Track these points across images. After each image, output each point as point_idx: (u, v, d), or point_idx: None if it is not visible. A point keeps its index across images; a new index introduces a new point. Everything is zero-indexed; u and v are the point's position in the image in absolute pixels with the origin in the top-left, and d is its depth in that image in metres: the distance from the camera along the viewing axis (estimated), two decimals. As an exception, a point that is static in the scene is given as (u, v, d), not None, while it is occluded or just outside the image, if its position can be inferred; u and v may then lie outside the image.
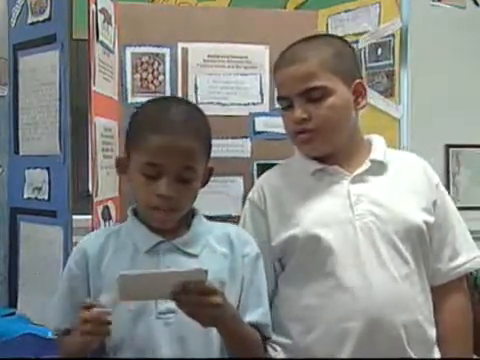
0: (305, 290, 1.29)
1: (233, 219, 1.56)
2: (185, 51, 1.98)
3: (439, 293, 1.35)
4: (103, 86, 1.75)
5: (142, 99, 1.66)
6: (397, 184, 1.33)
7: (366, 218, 1.28)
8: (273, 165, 1.50)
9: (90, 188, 1.65)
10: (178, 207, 1.20)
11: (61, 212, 1.71)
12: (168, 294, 1.03)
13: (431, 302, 1.33)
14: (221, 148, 1.94)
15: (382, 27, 1.92)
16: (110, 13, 1.84)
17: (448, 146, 2.87)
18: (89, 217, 1.63)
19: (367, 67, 1.95)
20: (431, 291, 1.33)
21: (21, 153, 1.88)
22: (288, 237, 1.30)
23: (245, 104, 2.01)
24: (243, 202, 1.58)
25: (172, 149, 1.16)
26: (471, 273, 1.49)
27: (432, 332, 1.31)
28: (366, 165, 1.33)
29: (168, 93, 1.96)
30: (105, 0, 1.79)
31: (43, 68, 1.78)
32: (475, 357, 1.48)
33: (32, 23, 1.81)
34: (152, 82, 1.97)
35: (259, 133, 2.02)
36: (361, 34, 1.97)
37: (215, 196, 1.92)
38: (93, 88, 1.65)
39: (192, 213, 1.28)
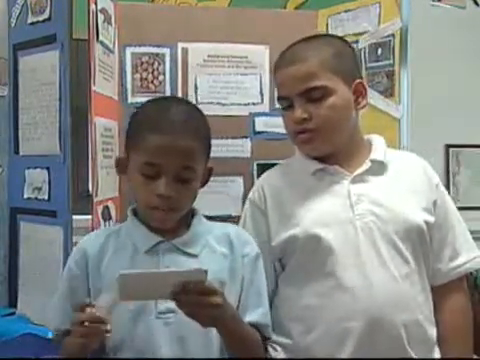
0: (305, 290, 1.29)
1: (233, 219, 1.56)
2: (185, 51, 1.98)
3: (439, 293, 1.35)
4: (103, 86, 1.75)
5: (142, 99, 1.66)
6: (397, 184, 1.33)
7: (366, 218, 1.28)
8: (273, 165, 1.50)
9: (90, 188, 1.65)
10: (177, 207, 1.20)
11: (61, 212, 1.71)
12: (168, 294, 1.03)
13: (431, 302, 1.33)
14: (221, 148, 1.94)
15: (382, 27, 1.92)
16: (110, 13, 1.84)
17: (448, 146, 2.87)
18: (89, 217, 1.63)
19: (367, 67, 1.95)
20: (431, 291, 1.33)
21: (21, 153, 1.88)
22: (288, 237, 1.30)
23: (245, 104, 2.01)
24: (243, 202, 1.58)
25: (171, 149, 1.16)
26: (471, 273, 1.49)
27: (432, 332, 1.31)
28: (366, 165, 1.33)
29: (168, 93, 1.96)
30: (105, 0, 1.79)
31: (43, 68, 1.78)
32: (475, 357, 1.48)
33: (32, 23, 1.80)
34: (152, 82, 1.97)
35: (259, 133, 2.01)
36: (361, 34, 1.97)
37: (215, 196, 1.92)
38: (93, 88, 1.65)
39: (192, 213, 1.28)
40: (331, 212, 1.29)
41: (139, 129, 1.21)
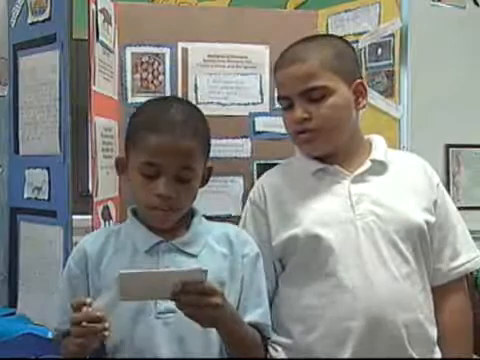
0: (306, 290, 1.29)
1: (233, 219, 1.56)
2: (185, 51, 1.98)
3: (439, 293, 1.35)
4: (103, 86, 1.75)
5: (142, 99, 1.66)
6: (398, 184, 1.33)
7: (367, 218, 1.28)
8: (273, 165, 1.50)
9: (90, 188, 1.65)
10: (177, 207, 1.20)
11: (61, 212, 1.71)
12: (167, 294, 1.03)
13: (432, 302, 1.33)
14: (221, 148, 1.94)
15: (382, 27, 1.92)
16: (110, 13, 1.84)
17: (448, 146, 2.87)
18: (89, 217, 1.63)
19: (367, 67, 1.95)
20: (431, 291, 1.33)
21: (21, 153, 1.88)
22: (289, 237, 1.30)
23: (245, 104, 2.01)
24: (243, 202, 1.58)
25: (170, 149, 1.16)
26: (471, 273, 1.49)
27: (433, 331, 1.31)
28: (367, 165, 1.33)
29: (168, 93, 1.96)
30: (105, 0, 1.79)
31: (43, 68, 1.78)
32: (475, 357, 1.48)
33: (32, 23, 1.80)
34: (152, 82, 1.97)
35: (259, 133, 2.01)
36: (361, 34, 1.97)
37: (215, 196, 1.92)
38: (93, 88, 1.65)
39: (192, 213, 1.28)
40: (332, 212, 1.29)
41: (138, 129, 1.21)
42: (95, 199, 1.64)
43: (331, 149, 1.34)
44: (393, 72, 1.91)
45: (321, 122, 1.30)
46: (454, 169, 2.89)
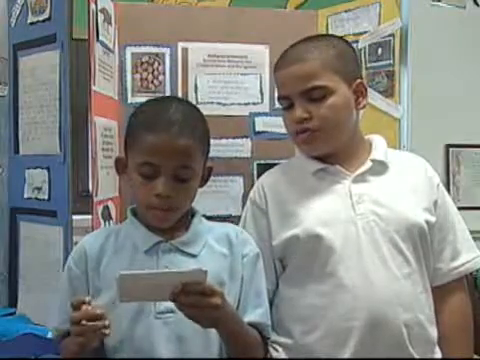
0: (307, 290, 1.29)
1: (233, 219, 1.56)
2: (185, 51, 1.98)
3: (439, 293, 1.35)
4: (103, 86, 1.75)
5: (142, 99, 1.66)
6: (398, 184, 1.33)
7: (368, 218, 1.28)
8: (273, 165, 1.50)
9: (90, 188, 1.65)
10: (176, 206, 1.20)
11: (61, 212, 1.71)
12: (167, 295, 1.03)
13: (432, 301, 1.33)
14: (221, 148, 1.94)
15: (382, 27, 1.92)
16: (110, 13, 1.84)
17: (448, 146, 2.87)
18: (89, 217, 1.63)
19: (367, 67, 1.95)
20: (431, 291, 1.33)
21: (21, 153, 1.88)
22: (289, 237, 1.30)
23: (245, 104, 2.01)
24: (243, 202, 1.58)
25: (168, 148, 1.16)
26: (471, 273, 1.49)
27: (433, 332, 1.31)
28: (367, 165, 1.33)
29: (168, 93, 1.96)
30: (105, 0, 1.79)
31: (43, 68, 1.78)
32: (475, 357, 1.48)
33: (32, 23, 1.81)
34: (152, 82, 1.97)
35: (259, 133, 2.01)
36: (361, 34, 1.97)
37: (215, 196, 1.92)
38: (93, 88, 1.65)
39: (191, 213, 1.28)
40: (332, 212, 1.29)
41: (137, 129, 1.21)
42: (95, 199, 1.64)
43: (331, 149, 1.34)
44: (393, 72, 1.91)
45: (321, 122, 1.30)
46: (454, 169, 2.89)
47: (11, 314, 1.83)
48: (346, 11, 2.01)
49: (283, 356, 1.31)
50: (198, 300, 1.04)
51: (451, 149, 2.88)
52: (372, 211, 1.29)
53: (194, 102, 1.82)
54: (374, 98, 1.88)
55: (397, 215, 1.29)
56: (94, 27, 1.69)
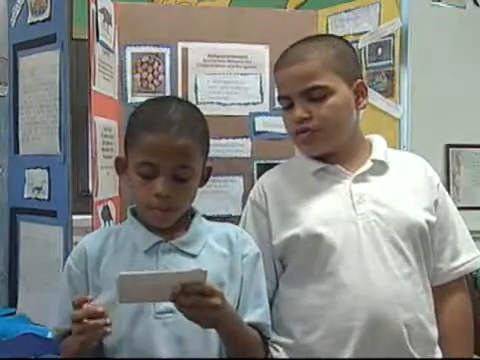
0: (307, 290, 1.29)
1: (233, 219, 1.56)
2: (185, 51, 1.98)
3: (440, 293, 1.35)
4: (103, 86, 1.75)
5: (142, 99, 1.66)
6: (399, 184, 1.33)
7: (369, 217, 1.28)
8: (273, 165, 1.50)
9: (90, 188, 1.65)
10: (176, 206, 1.20)
11: (61, 212, 1.71)
12: (167, 295, 1.03)
13: (432, 301, 1.33)
14: (221, 148, 1.94)
15: (382, 27, 1.92)
16: (110, 13, 1.84)
17: (448, 146, 2.87)
18: (89, 217, 1.63)
19: (367, 67, 1.95)
20: (432, 291, 1.33)
21: (21, 153, 1.88)
22: (290, 236, 1.30)
23: (245, 104, 2.01)
24: (243, 202, 1.58)
25: (167, 148, 1.16)
26: (471, 273, 1.49)
27: (434, 331, 1.31)
28: (368, 165, 1.33)
29: (168, 93, 1.96)
30: (105, 0, 1.79)
31: (43, 68, 1.78)
32: (475, 357, 1.48)
33: (32, 23, 1.81)
34: (152, 82, 1.97)
35: (259, 133, 2.01)
36: (361, 34, 1.97)
37: (215, 196, 1.92)
38: (93, 88, 1.65)
39: (191, 213, 1.28)
40: (333, 211, 1.29)
41: (136, 129, 1.21)
42: (95, 199, 1.64)
43: (331, 149, 1.34)
44: (393, 72, 1.91)
45: (321, 122, 1.30)
46: (454, 169, 2.89)
47: (11, 314, 1.83)
48: (346, 11, 2.01)
49: (284, 356, 1.31)
50: (198, 300, 1.04)
51: (451, 149, 2.88)
52: (373, 211, 1.29)
53: (194, 102, 1.82)
54: (374, 98, 1.88)
55: (398, 215, 1.29)
56: (94, 27, 1.69)
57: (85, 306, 1.05)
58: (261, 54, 2.01)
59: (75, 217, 1.70)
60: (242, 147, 2.00)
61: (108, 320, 1.03)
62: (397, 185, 1.33)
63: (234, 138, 1.99)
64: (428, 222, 1.31)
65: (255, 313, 1.23)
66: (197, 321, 1.07)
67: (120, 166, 1.26)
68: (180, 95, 1.94)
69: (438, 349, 1.32)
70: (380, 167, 1.34)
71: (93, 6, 1.69)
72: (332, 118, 1.30)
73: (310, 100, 1.30)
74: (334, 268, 1.26)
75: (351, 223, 1.28)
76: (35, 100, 1.81)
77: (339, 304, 1.25)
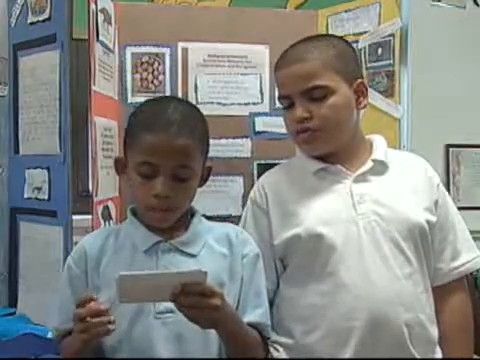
0: (307, 289, 1.29)
1: (233, 219, 1.56)
2: (185, 51, 1.98)
3: (440, 293, 1.35)
4: (103, 86, 1.75)
5: (142, 99, 1.66)
6: (399, 184, 1.33)
7: (369, 217, 1.28)
8: (273, 165, 1.50)
9: (90, 188, 1.65)
10: (175, 206, 1.20)
11: (61, 212, 1.71)
12: (167, 296, 1.03)
13: (433, 301, 1.33)
14: (221, 148, 1.94)
15: (382, 27, 1.92)
16: (110, 13, 1.84)
17: (448, 146, 2.87)
18: (89, 217, 1.63)
19: (367, 67, 1.95)
20: (432, 291, 1.33)
21: (21, 153, 1.88)
22: (290, 236, 1.30)
23: (245, 104, 2.01)
24: (243, 202, 1.58)
25: (166, 148, 1.16)
26: (471, 273, 1.49)
27: (434, 331, 1.31)
28: (368, 165, 1.33)
29: (168, 93, 1.96)
30: (105, 0, 1.79)
31: (43, 68, 1.78)
32: (476, 357, 1.48)
33: (32, 23, 1.81)
34: (152, 82, 1.97)
35: (259, 133, 2.01)
36: (361, 34, 1.97)
37: (215, 196, 1.92)
38: (93, 88, 1.65)
39: (191, 213, 1.28)
40: (333, 211, 1.29)
41: (136, 129, 1.21)
42: (95, 199, 1.64)
43: (331, 149, 1.34)
44: (393, 72, 1.91)
45: (322, 121, 1.30)
46: (454, 169, 2.89)
47: (11, 314, 1.83)
48: (346, 11, 2.01)
49: (284, 356, 1.31)
50: (198, 301, 1.04)
51: (451, 149, 2.88)
52: (373, 211, 1.29)
53: (194, 102, 1.82)
54: (374, 98, 1.88)
55: (398, 215, 1.29)
56: (94, 27, 1.69)
57: (88, 306, 1.04)
58: (261, 54, 2.01)
59: (75, 217, 1.70)
60: (242, 147, 2.00)
61: (112, 318, 1.04)
62: (397, 185, 1.33)
63: (234, 138, 1.99)
64: (428, 222, 1.31)
65: (255, 313, 1.23)
66: (197, 321, 1.07)
67: (120, 166, 1.26)
68: (180, 95, 1.94)
69: (438, 349, 1.32)
70: (380, 167, 1.34)
71: (93, 6, 1.69)
72: (333, 118, 1.30)
73: (311, 100, 1.30)
74: (335, 268, 1.26)
75: (352, 223, 1.28)
76: (35, 100, 1.81)
77: (340, 304, 1.25)
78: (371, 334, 1.23)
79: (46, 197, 1.76)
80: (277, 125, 1.86)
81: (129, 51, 1.95)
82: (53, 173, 1.75)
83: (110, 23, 1.84)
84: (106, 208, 1.75)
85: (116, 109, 1.89)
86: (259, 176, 1.49)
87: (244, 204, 1.47)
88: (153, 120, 1.19)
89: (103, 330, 1.04)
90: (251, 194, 1.42)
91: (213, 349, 1.19)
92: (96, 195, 1.65)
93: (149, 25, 1.95)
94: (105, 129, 1.75)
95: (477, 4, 2.87)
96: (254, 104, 2.01)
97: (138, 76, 1.96)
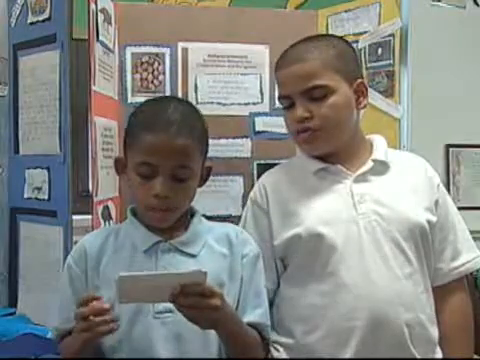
0: (308, 289, 1.29)
1: (233, 219, 1.56)
2: (185, 51, 1.98)
3: (440, 293, 1.35)
4: (103, 86, 1.75)
5: (142, 99, 1.65)
6: (400, 184, 1.33)
7: (370, 217, 1.28)
8: (273, 165, 1.50)
9: (90, 188, 1.65)
10: (175, 206, 1.20)
11: (61, 212, 1.71)
12: (167, 296, 1.03)
13: (433, 301, 1.33)
14: (221, 148, 1.94)
15: (382, 27, 1.92)
16: (110, 13, 1.84)
17: (448, 146, 2.87)
18: (89, 217, 1.62)
19: (367, 67, 1.95)
20: (432, 291, 1.33)
21: (21, 153, 1.88)
22: (291, 236, 1.30)
23: (245, 104, 2.01)
24: (243, 202, 1.57)
25: (166, 148, 1.16)
26: (471, 273, 1.49)
27: (434, 332, 1.31)
28: (369, 165, 1.33)
29: (168, 93, 1.96)
30: (105, 0, 1.79)
31: (43, 68, 1.78)
32: (476, 357, 1.48)
33: (32, 23, 1.80)
34: (152, 82, 1.97)
35: (259, 133, 2.01)
36: (361, 34, 1.97)
37: (215, 196, 1.92)
38: (93, 88, 1.65)
39: (191, 213, 1.28)
40: (334, 211, 1.29)
41: (135, 129, 1.21)
42: (95, 199, 1.64)
43: (332, 149, 1.34)
44: (393, 72, 1.91)
45: (322, 121, 1.30)
46: (454, 169, 2.89)
47: (11, 314, 1.83)
48: (346, 11, 2.01)
49: (284, 356, 1.31)
50: (197, 301, 1.04)
51: (451, 149, 2.88)
52: (374, 211, 1.29)
53: (194, 102, 1.82)
54: (374, 98, 1.88)
55: (399, 215, 1.29)
56: (94, 27, 1.69)
57: (91, 305, 1.04)
58: (261, 54, 2.01)
59: (75, 217, 1.70)
60: (242, 147, 2.00)
61: (115, 316, 1.04)
62: (398, 185, 1.33)
63: (234, 138, 1.99)
64: (429, 222, 1.31)
65: (255, 313, 1.23)
66: (197, 322, 1.07)
67: (119, 166, 1.26)
68: (180, 95, 1.94)
69: (438, 349, 1.32)
70: (381, 167, 1.34)
71: (93, 6, 1.69)
72: (333, 117, 1.30)
73: (311, 99, 1.30)
74: (335, 268, 1.26)
75: (352, 223, 1.28)
76: (35, 100, 1.81)
77: (340, 304, 1.25)
78: (372, 334, 1.23)
79: (46, 197, 1.76)
80: (277, 125, 1.86)
81: (129, 51, 1.95)
82: (53, 173, 1.75)
83: (110, 23, 1.84)
84: (106, 208, 1.75)
85: (116, 109, 1.89)
86: (259, 176, 1.49)
87: (244, 204, 1.46)
88: (152, 120, 1.18)
89: (106, 329, 1.04)
90: (251, 194, 1.42)
91: (213, 349, 1.18)
92: (96, 195, 1.65)
93: (149, 25, 1.95)
94: (105, 129, 1.75)
95: (477, 4, 2.87)
96: (254, 104, 2.01)
97: (138, 76, 1.96)
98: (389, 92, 1.92)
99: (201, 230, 1.26)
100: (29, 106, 1.84)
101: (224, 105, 2.00)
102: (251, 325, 1.21)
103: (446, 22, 2.77)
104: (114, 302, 1.07)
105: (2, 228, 1.93)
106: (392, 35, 1.90)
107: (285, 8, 2.63)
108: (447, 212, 1.37)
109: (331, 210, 1.30)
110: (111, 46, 1.85)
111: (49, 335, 1.49)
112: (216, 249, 1.24)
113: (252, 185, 1.48)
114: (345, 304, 1.24)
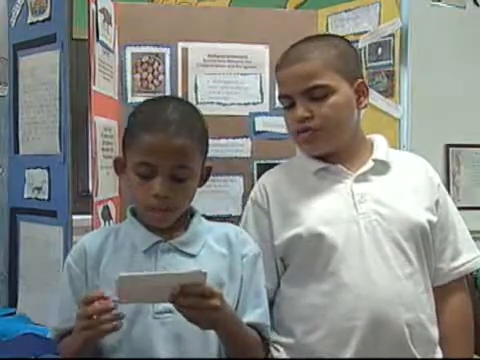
0: (308, 289, 1.29)
1: (233, 219, 1.56)
2: (185, 51, 1.98)
3: (440, 293, 1.35)
4: (103, 86, 1.75)
5: (142, 99, 1.64)
6: (400, 184, 1.33)
7: (370, 217, 1.28)
8: (273, 165, 1.50)
9: (90, 188, 1.65)
10: (175, 206, 1.20)
11: (61, 212, 1.71)
12: (167, 296, 1.03)
13: (433, 301, 1.33)
14: (221, 148, 1.94)
15: (382, 27, 1.92)
16: (110, 13, 1.84)
17: (448, 146, 2.87)
18: (89, 217, 1.62)
19: (367, 67, 1.95)
20: (432, 291, 1.33)
21: (21, 153, 1.88)
22: (292, 236, 1.30)
23: (245, 104, 2.01)
24: (243, 202, 1.57)
25: (165, 148, 1.15)
26: (471, 273, 1.49)
27: (435, 332, 1.31)
28: (369, 164, 1.33)
29: (168, 93, 1.96)
30: (105, 0, 1.79)
31: (43, 68, 1.78)
32: (476, 357, 1.48)
33: (32, 23, 1.81)
34: (152, 82, 1.97)
35: (259, 133, 2.01)
36: (361, 34, 1.97)
37: (215, 196, 1.92)
38: (93, 88, 1.65)
39: (191, 213, 1.27)
40: (334, 211, 1.29)
41: (134, 129, 1.21)
42: (95, 199, 1.64)
43: (332, 148, 1.34)
44: (393, 72, 1.91)
45: (323, 121, 1.29)
46: (454, 169, 2.89)
47: (11, 314, 1.83)
48: (346, 11, 2.01)
49: (284, 356, 1.31)
50: (197, 302, 1.04)
51: (451, 149, 2.88)
52: (374, 210, 1.29)
53: (194, 102, 1.82)
54: (374, 98, 1.88)
55: (399, 215, 1.29)
56: (94, 27, 1.69)
57: (95, 304, 1.04)
58: (261, 54, 2.01)
59: (75, 217, 1.70)
60: (242, 147, 2.00)
61: (119, 313, 1.03)
62: (398, 185, 1.33)
63: (234, 138, 1.99)
64: (429, 222, 1.31)
65: (254, 313, 1.22)
66: (196, 322, 1.07)
67: (119, 166, 1.26)
68: (180, 95, 1.94)
69: (439, 349, 1.32)
70: (381, 167, 1.34)
71: (93, 6, 1.69)
72: (333, 117, 1.30)
73: (311, 99, 1.30)
74: (336, 268, 1.26)
75: (353, 223, 1.28)
76: (35, 100, 1.81)
77: (340, 304, 1.25)
78: (372, 334, 1.23)
79: (46, 197, 1.76)
80: (277, 125, 1.86)
81: (129, 51, 1.95)
82: (53, 173, 1.75)
83: (110, 23, 1.84)
84: (106, 208, 1.75)
85: (116, 109, 1.89)
86: (259, 176, 1.49)
87: (244, 204, 1.46)
88: (152, 120, 1.18)
89: (109, 327, 1.03)
90: (251, 194, 1.42)
91: (212, 349, 1.18)
92: (96, 195, 1.65)
93: (149, 25, 1.95)
94: (105, 129, 1.75)
95: (477, 4, 2.87)
96: (254, 104, 2.02)
97: (138, 76, 1.96)
98: (389, 92, 1.92)
99: (201, 230, 1.26)
100: (29, 106, 1.84)
101: (224, 105, 2.00)
102: (251, 325, 1.21)
103: (446, 22, 2.77)
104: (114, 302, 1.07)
105: (2, 228, 1.93)
106: (392, 35, 1.90)
107: (285, 8, 2.63)
108: (447, 212, 1.37)
109: (331, 210, 1.30)
110: (111, 46, 1.85)
111: (49, 335, 1.49)
112: (216, 249, 1.24)
113: (252, 185, 1.48)
114: (345, 304, 1.24)
